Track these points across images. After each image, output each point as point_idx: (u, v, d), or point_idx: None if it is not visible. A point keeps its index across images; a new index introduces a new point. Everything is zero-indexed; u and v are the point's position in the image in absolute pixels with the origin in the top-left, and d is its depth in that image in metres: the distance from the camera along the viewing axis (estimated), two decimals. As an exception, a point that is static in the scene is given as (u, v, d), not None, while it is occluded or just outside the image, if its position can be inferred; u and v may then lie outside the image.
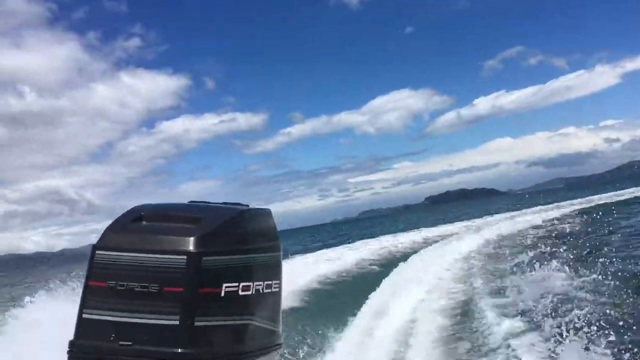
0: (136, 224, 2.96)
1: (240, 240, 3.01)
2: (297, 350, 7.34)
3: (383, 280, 12.80)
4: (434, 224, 35.58)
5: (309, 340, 7.59)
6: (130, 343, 2.71)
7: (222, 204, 3.33)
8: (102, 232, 2.91)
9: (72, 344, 2.81)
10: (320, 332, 8.08)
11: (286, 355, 6.64)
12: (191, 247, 2.76)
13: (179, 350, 2.68)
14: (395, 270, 14.06)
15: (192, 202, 3.37)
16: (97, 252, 2.87)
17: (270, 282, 3.15)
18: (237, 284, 2.90)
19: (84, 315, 2.83)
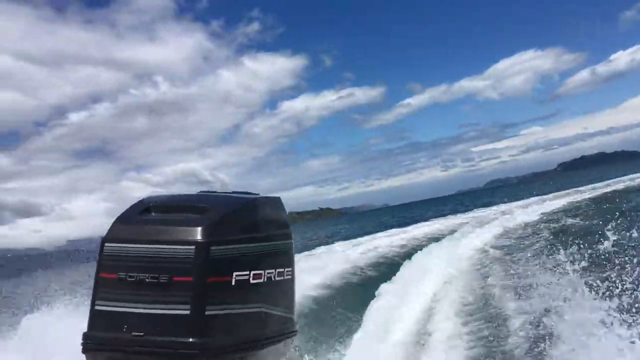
0: (144, 216, 2.99)
1: (249, 228, 3.02)
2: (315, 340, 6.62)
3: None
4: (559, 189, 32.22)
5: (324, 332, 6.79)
6: (142, 333, 2.74)
7: (231, 193, 3.36)
8: (111, 224, 2.96)
9: (85, 336, 2.85)
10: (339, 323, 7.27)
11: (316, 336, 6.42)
12: (199, 237, 2.78)
13: (191, 339, 2.69)
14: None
15: (202, 192, 3.38)
16: (107, 244, 2.92)
17: (282, 270, 3.17)
18: (247, 272, 2.92)
19: (96, 307, 2.88)
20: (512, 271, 8.69)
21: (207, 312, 2.76)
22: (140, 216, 3.01)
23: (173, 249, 2.79)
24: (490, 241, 13.34)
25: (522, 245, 11.77)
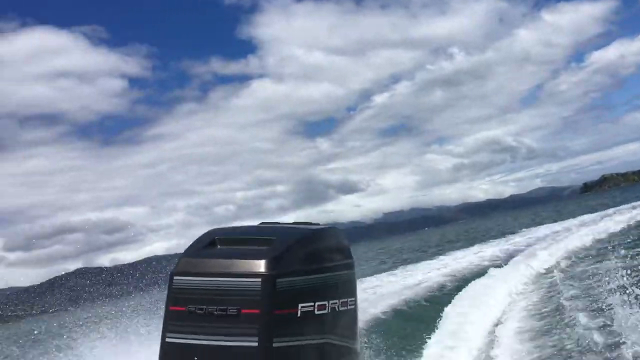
0: (210, 249, 3.13)
1: (313, 259, 3.10)
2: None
3: None
4: None
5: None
6: None
7: (292, 224, 3.47)
8: (179, 258, 3.14)
9: None
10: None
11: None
12: (264, 269, 2.88)
13: None
14: None
15: (263, 223, 3.51)
16: (175, 277, 3.06)
17: (345, 300, 3.23)
18: (312, 304, 2.98)
19: (167, 340, 2.99)
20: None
21: (274, 344, 2.82)
22: (207, 249, 3.13)
23: (240, 281, 2.88)
24: None
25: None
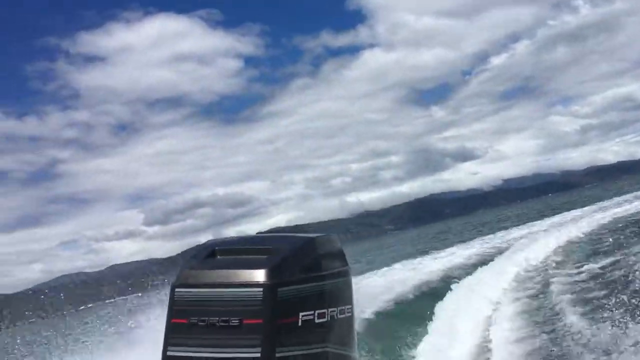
0: (210, 260, 3.08)
1: (312, 267, 3.06)
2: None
3: None
4: None
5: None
6: None
7: (289, 234, 3.43)
8: (179, 270, 3.04)
9: None
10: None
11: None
12: (266, 279, 2.84)
13: None
14: None
15: (259, 233, 3.51)
16: (177, 290, 2.99)
17: (343, 308, 3.18)
18: (312, 312, 2.94)
19: (169, 353, 2.94)
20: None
21: (277, 354, 2.80)
22: (207, 260, 3.07)
23: (241, 291, 2.83)
24: None
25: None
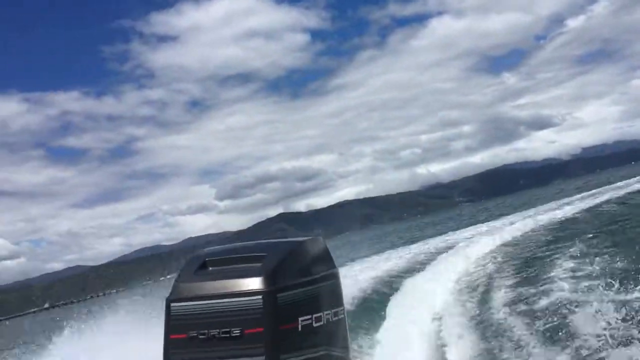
0: (203, 271, 3.00)
1: (305, 272, 3.04)
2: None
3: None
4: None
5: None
6: None
7: (275, 240, 3.43)
8: (172, 284, 2.98)
9: None
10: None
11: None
12: (264, 286, 2.79)
13: None
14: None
15: (252, 242, 3.44)
16: (173, 304, 2.90)
17: (337, 310, 3.19)
18: (310, 317, 2.92)
19: None
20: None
21: None
22: (200, 272, 3.02)
23: (240, 301, 2.80)
24: None
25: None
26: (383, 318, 7.76)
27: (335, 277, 3.33)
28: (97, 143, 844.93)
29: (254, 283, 2.82)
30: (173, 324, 2.89)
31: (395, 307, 8.33)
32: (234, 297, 2.80)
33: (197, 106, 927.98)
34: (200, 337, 2.80)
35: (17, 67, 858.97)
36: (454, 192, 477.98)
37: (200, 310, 2.84)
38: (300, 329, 2.89)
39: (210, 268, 3.03)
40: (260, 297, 2.79)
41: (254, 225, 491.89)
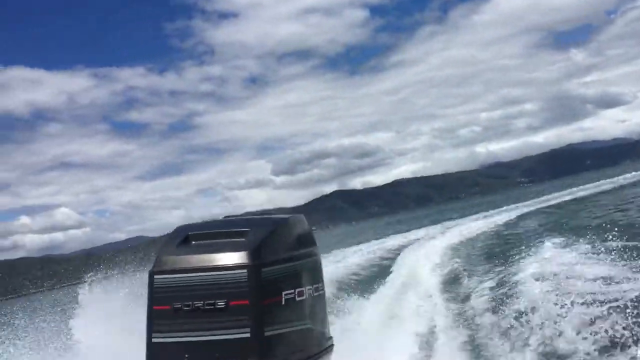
0: (187, 245, 3.06)
1: (288, 248, 3.16)
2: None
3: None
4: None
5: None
6: None
7: (259, 217, 3.53)
8: (155, 257, 3.02)
9: None
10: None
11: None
12: (249, 260, 2.86)
13: None
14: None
15: (227, 217, 3.62)
16: (156, 276, 2.94)
17: (318, 285, 3.32)
18: (293, 291, 3.02)
19: (154, 340, 2.89)
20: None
21: (266, 333, 2.84)
22: (183, 246, 3.07)
23: (225, 274, 2.84)
24: None
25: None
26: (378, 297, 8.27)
27: (316, 254, 3.43)
28: (159, 118, 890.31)
29: (239, 257, 2.89)
30: (157, 296, 2.94)
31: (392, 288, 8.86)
32: (218, 271, 2.87)
33: (256, 82, 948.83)
34: (185, 308, 2.86)
35: (86, 43, 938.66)
36: (515, 172, 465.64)
37: (184, 282, 2.90)
38: (283, 302, 2.98)
39: (194, 242, 3.08)
40: (245, 270, 2.85)
41: (310, 202, 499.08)
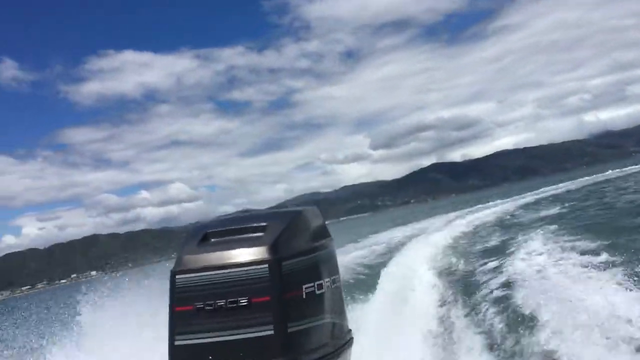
0: (206, 243, 3.02)
1: (306, 240, 3.08)
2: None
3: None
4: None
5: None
6: None
7: (274, 210, 3.46)
8: (176, 257, 2.99)
9: None
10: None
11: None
12: (269, 255, 2.83)
13: (280, 359, 2.71)
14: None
15: (244, 211, 3.49)
16: (177, 277, 2.90)
17: (335, 277, 3.24)
18: (313, 284, 2.96)
19: (177, 343, 2.85)
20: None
21: (289, 330, 2.76)
22: (203, 244, 3.01)
23: (246, 270, 2.80)
24: None
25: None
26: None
27: (331, 245, 3.32)
28: (259, 95, 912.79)
29: (259, 252, 2.84)
30: (178, 296, 2.87)
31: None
32: (239, 267, 2.81)
33: (352, 56, 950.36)
34: (207, 308, 2.78)
35: (189, 25, 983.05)
36: (628, 142, 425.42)
37: (205, 281, 2.84)
38: (304, 296, 2.88)
39: (213, 240, 3.02)
40: (266, 265, 2.79)
41: (408, 175, 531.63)
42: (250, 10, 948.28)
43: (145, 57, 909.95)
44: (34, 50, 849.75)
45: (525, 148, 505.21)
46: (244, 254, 2.81)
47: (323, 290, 2.98)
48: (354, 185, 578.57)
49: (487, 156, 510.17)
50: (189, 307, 2.77)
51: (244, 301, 2.71)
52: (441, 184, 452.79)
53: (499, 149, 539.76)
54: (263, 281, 2.73)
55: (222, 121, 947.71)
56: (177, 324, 2.81)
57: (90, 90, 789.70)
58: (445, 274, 9.22)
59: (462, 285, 7.89)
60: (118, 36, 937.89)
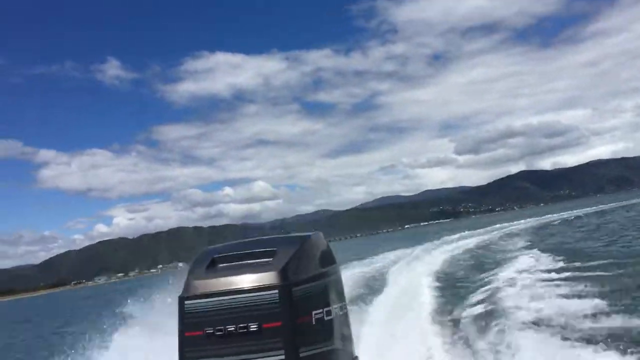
0: (214, 268, 3.00)
1: (314, 265, 3.08)
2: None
3: None
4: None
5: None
6: None
7: (279, 236, 3.43)
8: (184, 282, 2.96)
9: None
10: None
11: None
12: (279, 280, 2.80)
13: None
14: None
15: (255, 238, 3.47)
16: (187, 302, 2.88)
17: (342, 304, 3.24)
18: (322, 310, 2.96)
19: None
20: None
21: (301, 355, 2.77)
22: (211, 269, 3.02)
23: (256, 295, 2.79)
24: None
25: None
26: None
27: (337, 271, 3.32)
28: (344, 98, 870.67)
29: (269, 278, 2.81)
30: (188, 322, 2.85)
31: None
32: (249, 293, 2.79)
33: (439, 59, 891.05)
34: (217, 333, 2.75)
35: (279, 29, 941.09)
36: None
37: (215, 306, 2.81)
38: (314, 322, 2.87)
39: (220, 265, 3.01)
40: (276, 291, 2.76)
41: (493, 182, 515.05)
42: (338, 14, 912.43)
43: (237, 58, 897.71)
44: (137, 50, 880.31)
45: (622, 158, 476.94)
46: (253, 279, 2.80)
47: (332, 317, 2.98)
48: (435, 190, 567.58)
49: (580, 165, 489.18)
50: (199, 332, 2.77)
51: (254, 326, 2.70)
52: (529, 192, 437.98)
53: (593, 158, 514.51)
54: (273, 307, 2.73)
55: (307, 122, 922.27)
56: (188, 349, 2.79)
57: (184, 89, 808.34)
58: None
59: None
60: (212, 38, 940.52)
